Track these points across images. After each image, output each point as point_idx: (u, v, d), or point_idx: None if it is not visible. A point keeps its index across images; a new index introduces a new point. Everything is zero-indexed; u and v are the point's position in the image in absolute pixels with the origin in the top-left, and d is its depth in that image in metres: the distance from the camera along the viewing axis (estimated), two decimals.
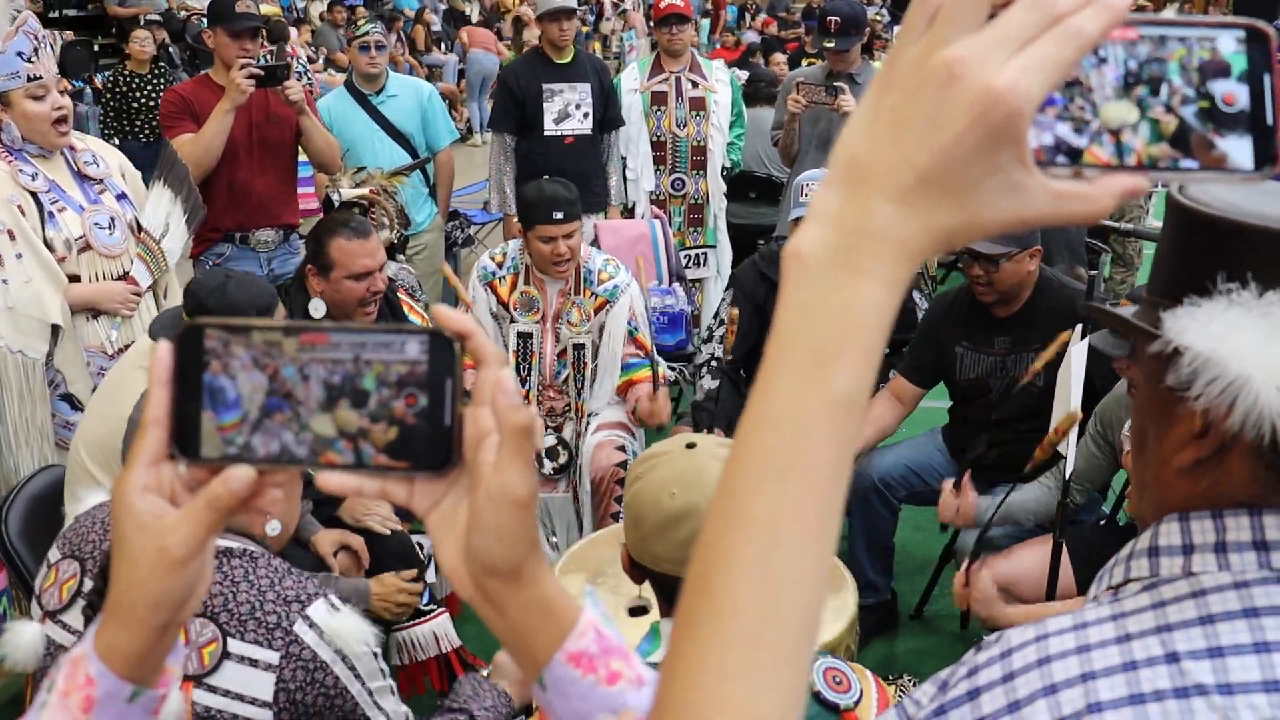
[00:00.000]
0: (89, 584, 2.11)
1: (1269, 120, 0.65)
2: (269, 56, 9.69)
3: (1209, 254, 1.03)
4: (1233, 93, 0.66)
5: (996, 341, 3.88)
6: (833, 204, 0.67)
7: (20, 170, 3.56)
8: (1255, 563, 1.01)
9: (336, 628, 2.05)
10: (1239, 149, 0.65)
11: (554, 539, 4.25)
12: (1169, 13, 0.68)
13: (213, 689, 1.98)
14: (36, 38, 3.59)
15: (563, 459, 4.35)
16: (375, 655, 2.10)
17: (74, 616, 2.13)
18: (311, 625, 2.03)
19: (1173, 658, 0.99)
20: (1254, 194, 1.05)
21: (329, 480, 0.81)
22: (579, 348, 4.37)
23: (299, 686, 2.01)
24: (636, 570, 2.17)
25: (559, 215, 4.20)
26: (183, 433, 0.82)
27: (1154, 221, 6.81)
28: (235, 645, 2.00)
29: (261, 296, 3.07)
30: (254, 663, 2.00)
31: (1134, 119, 0.66)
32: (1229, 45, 0.66)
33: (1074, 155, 0.66)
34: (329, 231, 3.76)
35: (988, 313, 3.88)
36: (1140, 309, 1.11)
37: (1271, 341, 0.95)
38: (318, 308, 3.75)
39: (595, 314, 4.38)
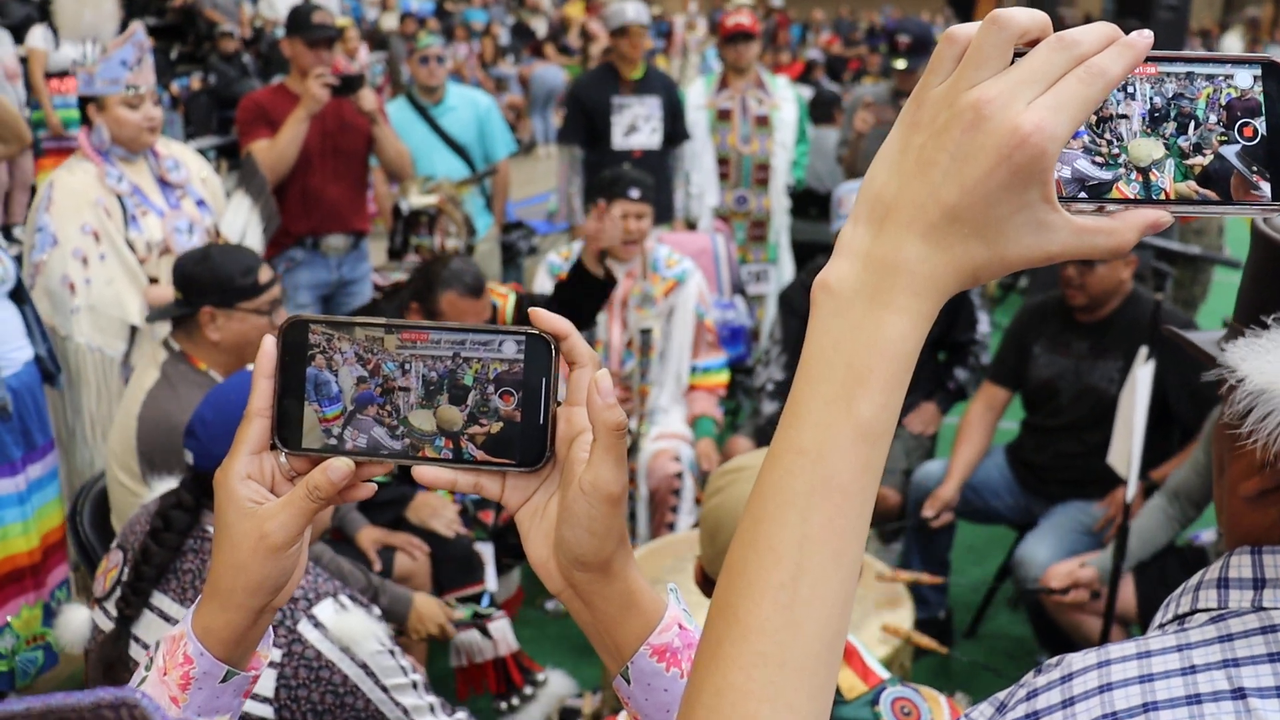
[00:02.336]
0: (128, 573, 2.16)
1: None
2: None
3: None
4: (1253, 126, 0.67)
5: (1074, 345, 3.89)
6: (861, 239, 0.69)
7: (108, 173, 3.66)
8: None
9: (343, 626, 2.08)
10: (1260, 182, 0.67)
11: None
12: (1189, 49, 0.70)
13: None
14: (141, 48, 3.70)
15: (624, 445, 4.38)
16: (392, 653, 2.11)
17: (114, 603, 2.18)
18: (316, 624, 2.06)
19: (1239, 694, 0.97)
20: None
21: (425, 474, 0.85)
22: (646, 333, 4.42)
23: (301, 684, 2.04)
24: (709, 584, 2.16)
25: (635, 193, 4.30)
26: (285, 424, 0.86)
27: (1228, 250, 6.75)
28: None
29: (244, 260, 3.11)
30: None
31: (1161, 155, 0.68)
32: (1247, 81, 0.68)
33: (1099, 190, 0.68)
34: (443, 282, 3.67)
35: (1072, 316, 3.89)
36: (1223, 336, 1.11)
37: None
38: None
39: (664, 297, 4.43)
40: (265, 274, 3.12)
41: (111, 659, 2.11)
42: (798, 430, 0.69)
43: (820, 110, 8.11)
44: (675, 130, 6.02)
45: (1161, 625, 1.11)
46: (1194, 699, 0.98)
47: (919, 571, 3.99)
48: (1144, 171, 0.68)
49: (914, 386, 4.51)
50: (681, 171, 6.12)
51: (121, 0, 11.56)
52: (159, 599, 2.12)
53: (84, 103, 3.74)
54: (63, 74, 8.58)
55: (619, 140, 5.90)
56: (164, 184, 3.81)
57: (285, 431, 0.87)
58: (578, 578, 0.87)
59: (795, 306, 4.58)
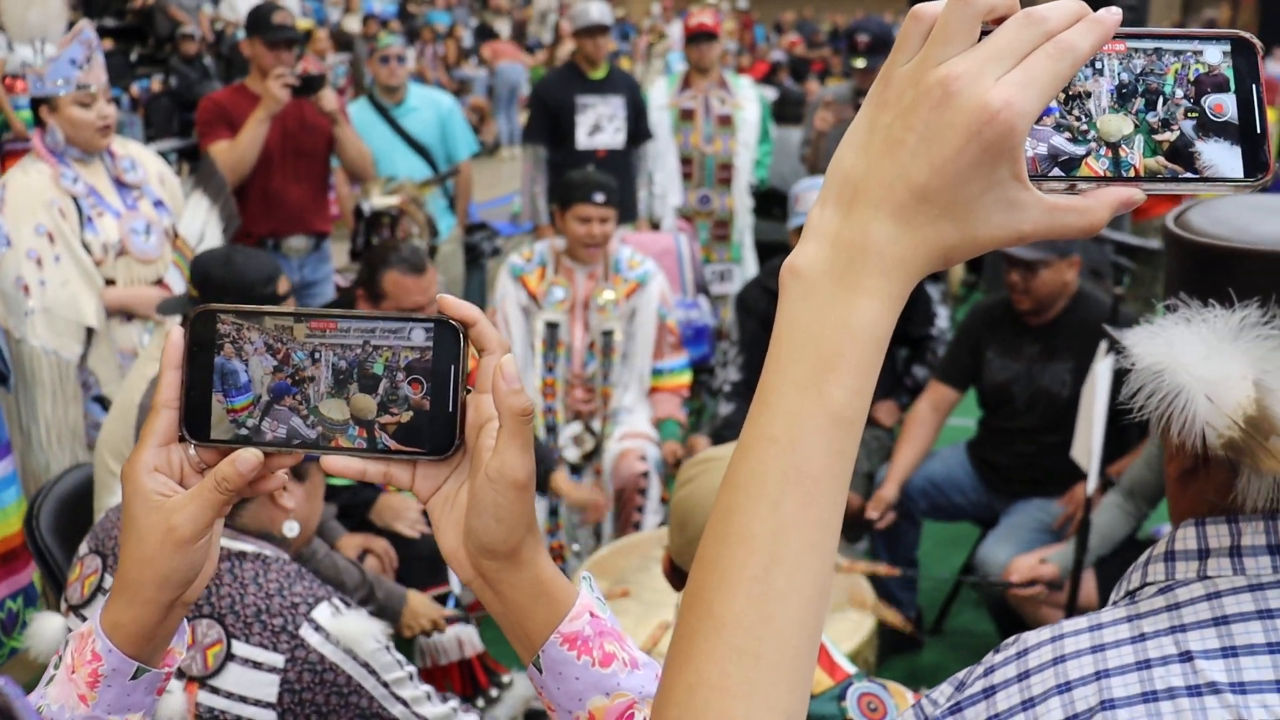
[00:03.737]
0: (109, 580, 2.14)
1: (1258, 129, 0.67)
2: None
3: (1196, 276, 1.08)
4: (1222, 102, 0.67)
5: (1026, 349, 3.91)
6: (829, 221, 0.67)
7: (62, 174, 3.62)
8: (1270, 566, 1.03)
9: (343, 628, 2.07)
10: (1231, 158, 0.67)
11: (575, 548, 4.28)
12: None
13: (216, 690, 2.01)
14: (90, 46, 3.66)
15: (589, 445, 4.38)
16: (388, 648, 2.12)
17: (94, 610, 2.15)
18: (317, 629, 2.06)
19: (1186, 657, 1.00)
20: (1239, 219, 1.10)
21: (334, 464, 0.83)
22: (608, 335, 4.42)
23: (306, 687, 2.03)
24: (678, 575, 2.17)
25: (599, 197, 4.29)
26: (193, 415, 0.85)
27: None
28: (240, 648, 2.02)
29: (266, 268, 3.10)
30: (258, 665, 2.02)
31: (1130, 131, 0.67)
32: (1216, 57, 0.67)
33: (1070, 165, 0.67)
34: (384, 262, 3.71)
35: (1021, 320, 3.91)
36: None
37: (1210, 357, 1.00)
38: None
39: (626, 299, 4.43)
40: (284, 285, 3.11)
41: None
42: (768, 418, 0.67)
43: (784, 110, 8.13)
44: (639, 130, 6.02)
45: (1114, 602, 1.14)
46: (1144, 664, 1.01)
47: (889, 584, 4.00)
48: (1113, 147, 0.67)
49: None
50: (645, 171, 6.12)
51: (79, 0, 11.38)
52: None
53: (36, 104, 3.69)
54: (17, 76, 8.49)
55: (583, 140, 5.90)
56: (120, 185, 3.77)
57: (193, 423, 0.85)
58: (487, 566, 0.86)
59: (752, 308, 4.58)
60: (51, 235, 3.53)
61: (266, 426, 0.84)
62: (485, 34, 19.05)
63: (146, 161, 3.93)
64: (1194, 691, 0.98)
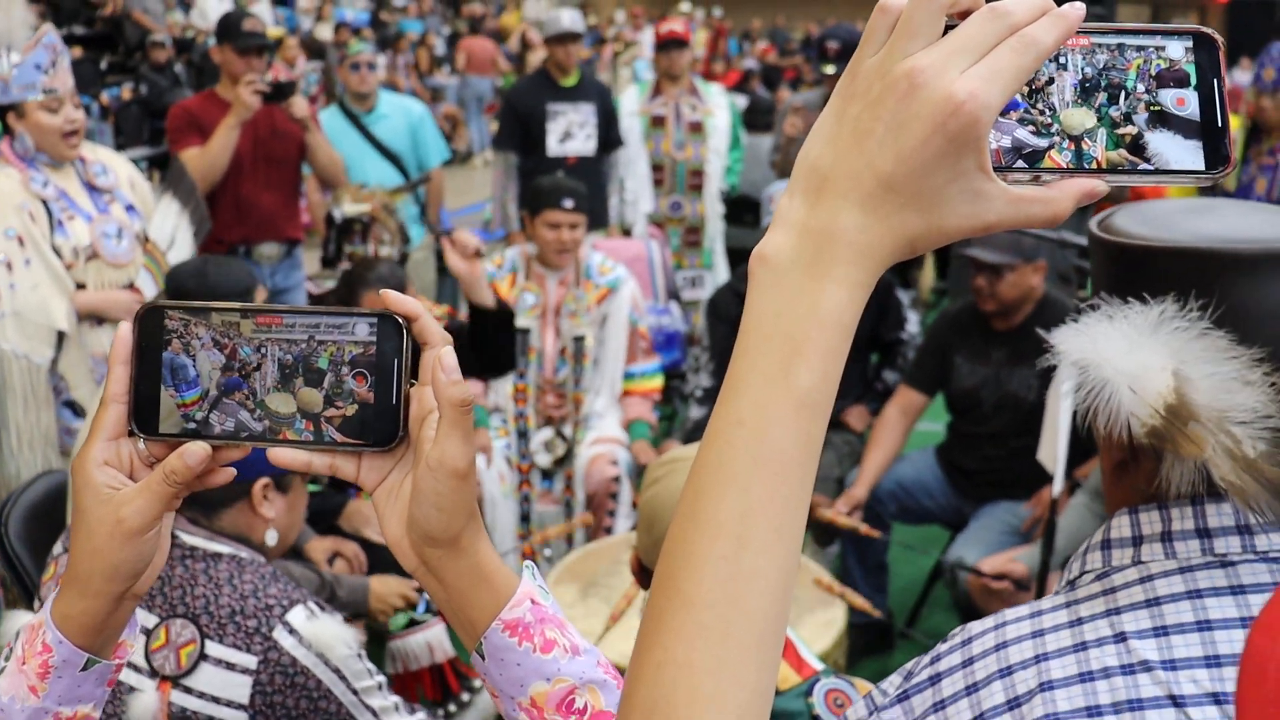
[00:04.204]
0: None
1: (1219, 123, 0.68)
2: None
3: (1117, 274, 1.13)
4: (1184, 97, 0.68)
5: (993, 354, 3.95)
6: (797, 210, 0.68)
7: (32, 178, 3.61)
8: (1199, 549, 1.07)
9: (316, 632, 2.08)
10: (1192, 151, 0.68)
11: (548, 552, 4.29)
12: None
13: (189, 690, 2.02)
14: (55, 51, 3.65)
15: (560, 451, 4.39)
16: (360, 656, 2.13)
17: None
18: (291, 631, 2.06)
19: (1120, 638, 1.04)
20: (1159, 219, 1.15)
21: (281, 456, 0.85)
22: (579, 340, 4.43)
23: (277, 690, 2.04)
24: (645, 575, 2.19)
25: (568, 203, 4.32)
26: (142, 410, 0.86)
27: None
28: (213, 648, 2.03)
29: (242, 279, 3.11)
30: (231, 666, 2.03)
31: (1092, 124, 0.68)
32: (1178, 52, 0.69)
33: (1033, 158, 0.68)
34: (363, 281, 3.72)
35: (988, 325, 3.95)
36: None
37: (1132, 350, 1.04)
38: None
39: (597, 305, 4.45)
40: (261, 295, 3.12)
41: None
42: (737, 402, 0.68)
43: (755, 118, 8.17)
44: (610, 137, 6.04)
45: (1056, 591, 1.18)
46: (1080, 646, 1.05)
47: (858, 582, 4.04)
48: (1076, 140, 0.69)
49: (844, 390, 4.56)
50: (616, 178, 6.14)
51: (47, 9, 11.33)
52: None
53: (3, 112, 3.68)
54: None
55: (554, 147, 5.92)
56: (91, 189, 3.77)
57: (143, 417, 0.87)
58: (429, 554, 0.88)
59: (723, 313, 4.61)
60: (21, 239, 3.52)
61: (215, 420, 0.86)
62: (458, 42, 19.06)
63: (117, 166, 3.92)
64: (1128, 670, 1.02)
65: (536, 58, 13.55)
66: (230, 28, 4.83)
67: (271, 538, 2.23)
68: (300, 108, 4.75)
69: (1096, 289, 1.18)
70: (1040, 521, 3.73)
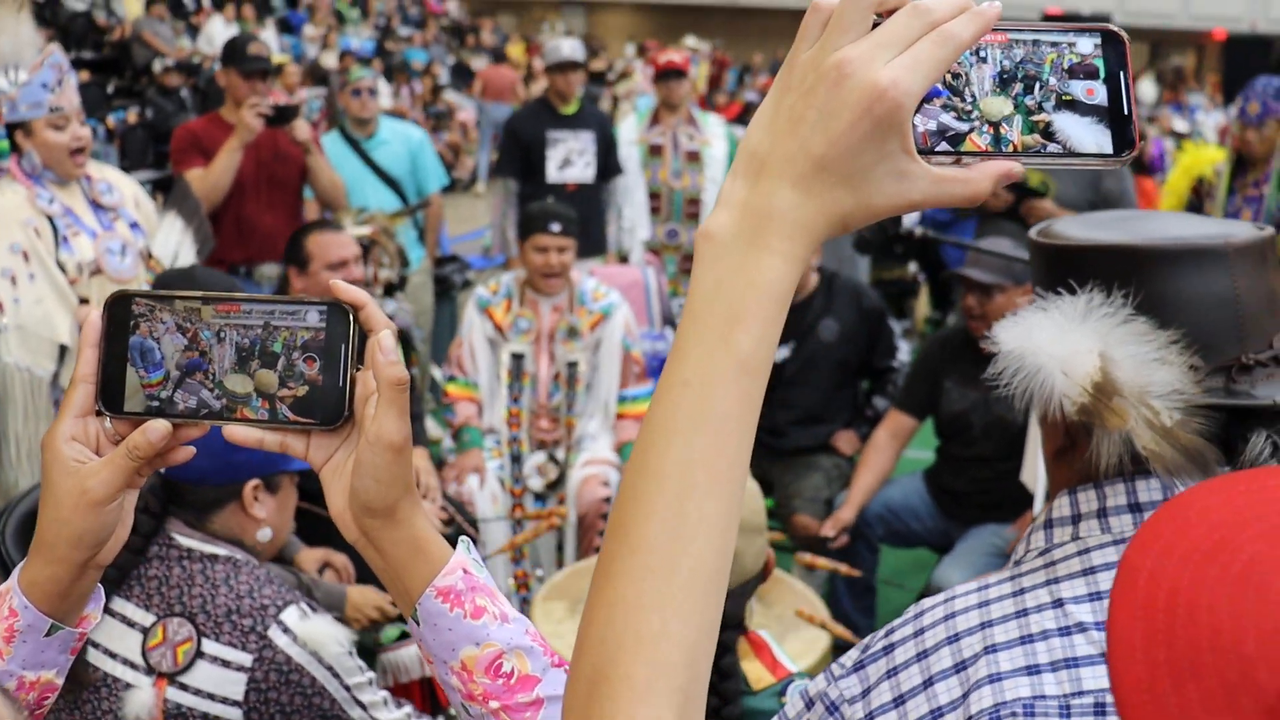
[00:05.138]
0: None
1: (1125, 110, 0.75)
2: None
3: (1052, 273, 1.24)
4: (1093, 88, 0.76)
5: (982, 378, 3.98)
6: (738, 192, 0.75)
7: (38, 195, 3.68)
8: (1131, 523, 1.17)
9: (309, 631, 2.14)
10: (1101, 137, 0.75)
11: (539, 572, 4.33)
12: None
13: (184, 687, 2.07)
14: (61, 70, 3.73)
15: (553, 474, 4.44)
16: (350, 654, 2.19)
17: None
18: (285, 630, 2.12)
19: (1058, 603, 1.12)
20: (1090, 226, 1.27)
21: (235, 433, 0.92)
22: (572, 365, 4.49)
23: (271, 687, 2.10)
24: None
25: (555, 227, 4.38)
26: (108, 390, 0.93)
27: None
28: (210, 646, 2.09)
29: (226, 285, 3.27)
30: (226, 664, 2.09)
31: (1010, 111, 0.75)
32: (1088, 48, 0.76)
33: (955, 140, 0.75)
34: (304, 232, 4.06)
35: (979, 350, 3.98)
36: None
37: (1062, 337, 1.14)
38: None
39: (591, 331, 4.51)
40: None
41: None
42: (681, 364, 0.74)
43: None
44: (609, 165, 6.12)
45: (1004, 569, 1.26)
46: (1022, 613, 1.13)
47: (845, 604, 4.08)
48: (995, 125, 0.75)
49: (834, 415, 4.61)
50: (615, 206, 6.22)
51: (56, 33, 11.43)
52: (120, 604, 2.15)
53: (10, 130, 3.75)
54: None
55: (553, 174, 6.00)
56: (97, 206, 3.84)
57: (109, 397, 0.93)
58: (368, 524, 0.94)
59: None
60: (26, 253, 3.59)
61: (179, 399, 0.92)
62: (462, 72, 19.19)
63: (122, 185, 3.99)
64: (1064, 631, 1.10)
65: (537, 88, 13.68)
66: (235, 51, 4.91)
67: (265, 535, 2.29)
68: (303, 131, 4.83)
69: (1035, 288, 1.28)
70: None
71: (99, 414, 0.94)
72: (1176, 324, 1.15)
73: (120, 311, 0.93)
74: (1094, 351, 1.12)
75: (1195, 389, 1.12)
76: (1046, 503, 3.01)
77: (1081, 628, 1.09)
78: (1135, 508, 1.17)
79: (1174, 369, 1.12)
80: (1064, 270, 1.22)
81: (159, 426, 0.91)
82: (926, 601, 1.23)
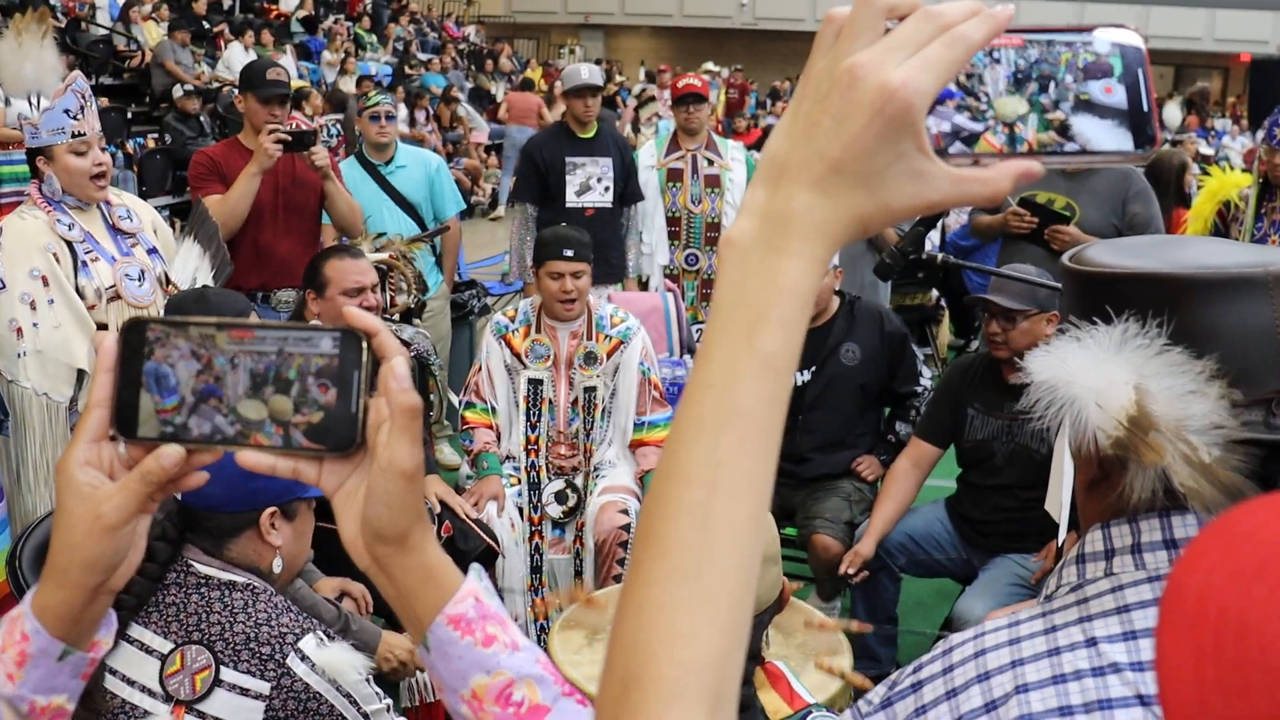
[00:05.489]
0: None
1: (1144, 107, 0.75)
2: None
3: (1085, 301, 1.21)
4: (1111, 86, 0.75)
5: (1006, 406, 3.96)
6: (759, 198, 0.76)
7: (58, 220, 3.68)
8: (1167, 559, 1.13)
9: (328, 659, 2.13)
10: (1121, 134, 0.75)
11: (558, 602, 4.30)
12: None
13: (203, 715, 2.05)
14: (83, 96, 3.74)
15: (572, 501, 4.42)
16: (368, 681, 2.17)
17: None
18: (304, 658, 2.11)
19: (1091, 642, 1.09)
20: (1124, 251, 1.23)
21: (247, 459, 0.91)
22: (590, 390, 4.46)
23: (290, 715, 2.08)
24: None
25: (568, 252, 4.36)
26: (123, 415, 0.92)
27: None
28: (228, 674, 2.07)
29: (238, 304, 3.28)
30: (245, 691, 2.07)
31: (1025, 111, 0.75)
32: (1104, 47, 0.76)
33: (970, 141, 0.75)
34: (323, 257, 4.10)
35: (1001, 377, 3.97)
36: None
37: (1097, 367, 1.11)
38: None
39: (609, 357, 4.49)
40: (255, 318, 3.20)
41: (88, 689, 2.12)
42: (707, 368, 0.75)
43: None
44: (628, 190, 6.11)
45: (1036, 605, 1.23)
46: (1054, 651, 1.11)
47: (868, 640, 4.03)
48: (1010, 125, 0.75)
49: (856, 440, 4.58)
50: (635, 231, 6.20)
51: (77, 59, 11.51)
52: (139, 631, 2.14)
53: (32, 155, 3.77)
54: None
55: (572, 199, 5.98)
56: (116, 231, 3.84)
57: (123, 422, 0.92)
58: (379, 551, 0.93)
59: None
60: (46, 279, 3.59)
61: (193, 424, 0.91)
62: (481, 97, 19.27)
63: (141, 211, 4.00)
64: (1098, 672, 1.07)
65: (554, 113, 13.72)
66: (254, 77, 4.91)
67: (278, 565, 2.27)
68: (321, 157, 4.81)
69: (1067, 316, 1.24)
70: (1049, 574, 3.72)
71: (113, 439, 0.93)
72: (1214, 355, 1.11)
73: (135, 337, 0.92)
74: (1129, 383, 1.10)
75: (1234, 423, 1.09)
76: (1072, 532, 2.96)
77: (1116, 668, 1.07)
78: (1171, 544, 1.14)
79: (1212, 402, 1.09)
80: (1098, 298, 1.18)
81: (173, 452, 0.91)
82: (955, 637, 1.21)
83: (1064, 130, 0.75)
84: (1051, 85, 0.75)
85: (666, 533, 0.74)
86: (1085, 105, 0.75)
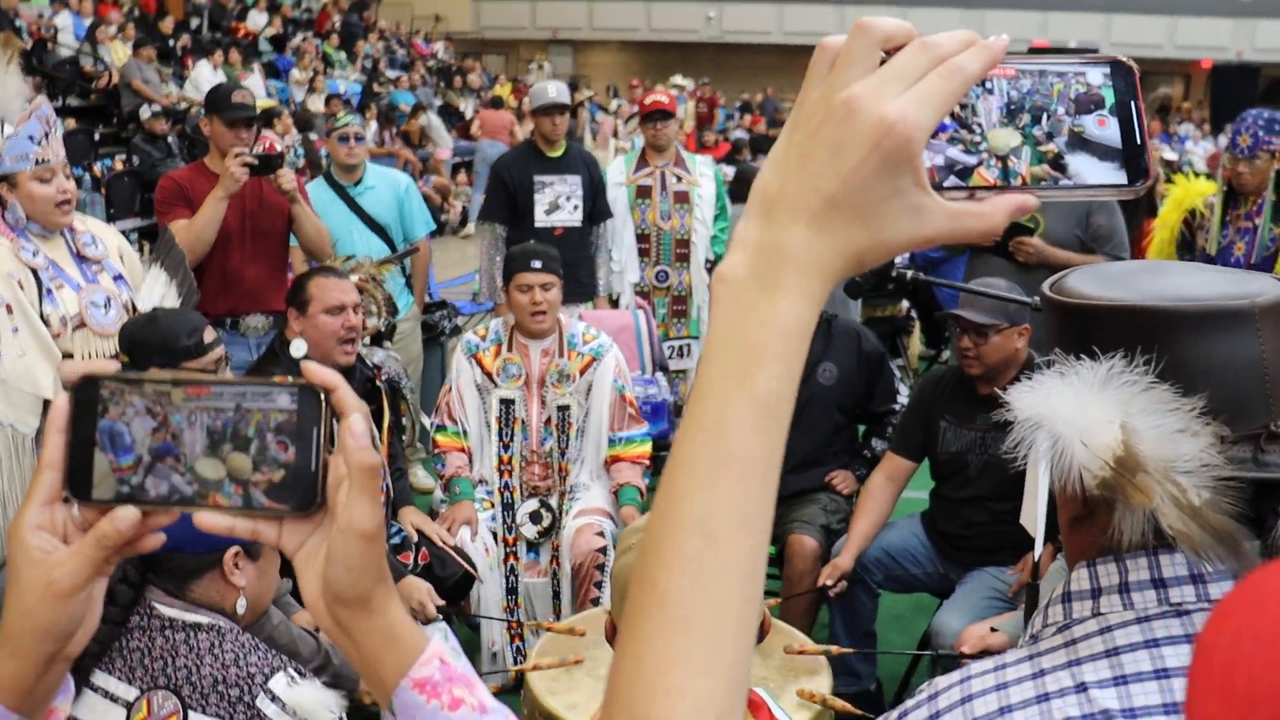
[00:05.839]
0: None
1: (1138, 140, 0.74)
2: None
3: (1067, 333, 1.19)
4: (1104, 118, 0.74)
5: (978, 418, 3.96)
6: (751, 232, 0.74)
7: (22, 247, 3.64)
8: (1155, 599, 1.11)
9: (298, 698, 2.09)
10: (1114, 166, 0.74)
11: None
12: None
13: None
14: (48, 122, 3.69)
15: (547, 522, 4.39)
16: (342, 719, 2.14)
17: None
18: (274, 699, 2.07)
19: (1081, 688, 1.07)
20: (1111, 280, 1.21)
21: (205, 520, 0.87)
22: (564, 410, 4.44)
23: None
24: None
25: (536, 264, 4.35)
26: (76, 476, 0.89)
27: None
28: (196, 718, 2.03)
29: (190, 321, 3.31)
30: None
31: (1017, 143, 0.74)
32: (1098, 79, 0.75)
33: (964, 174, 0.74)
34: (307, 275, 4.14)
35: (973, 389, 3.97)
36: None
37: (1082, 405, 1.09)
38: (299, 347, 3.92)
39: (581, 374, 4.46)
40: (209, 335, 3.29)
41: None
42: (701, 409, 0.73)
43: (741, 189, 8.24)
44: (597, 208, 6.08)
45: (1021, 645, 1.21)
46: (1043, 697, 1.08)
47: (843, 644, 4.01)
48: (1003, 158, 0.74)
49: (830, 456, 4.57)
50: (604, 249, 6.18)
51: (43, 81, 11.39)
52: (102, 678, 2.09)
53: None
54: None
55: (541, 218, 5.95)
56: (80, 259, 3.80)
57: (76, 483, 0.89)
58: (341, 614, 0.91)
59: None
60: (10, 306, 3.54)
61: (149, 485, 0.88)
62: (450, 114, 19.22)
63: (106, 237, 3.95)
64: (1088, 718, 1.05)
65: (523, 131, 13.69)
66: (219, 99, 4.87)
67: (241, 605, 2.23)
68: (288, 180, 4.77)
69: (1050, 347, 1.23)
70: (1025, 586, 3.72)
71: (66, 500, 0.90)
72: (1201, 390, 1.09)
73: (87, 394, 0.89)
74: (1115, 422, 1.07)
75: (1222, 461, 1.06)
76: (1048, 544, 2.94)
77: (1107, 715, 1.04)
78: (1159, 583, 1.11)
79: (1201, 441, 1.06)
80: (1081, 330, 1.17)
81: (127, 514, 0.88)
82: (940, 681, 1.18)
83: (1057, 163, 0.74)
84: (1044, 117, 0.74)
85: (665, 583, 0.72)
86: (1079, 137, 0.74)
